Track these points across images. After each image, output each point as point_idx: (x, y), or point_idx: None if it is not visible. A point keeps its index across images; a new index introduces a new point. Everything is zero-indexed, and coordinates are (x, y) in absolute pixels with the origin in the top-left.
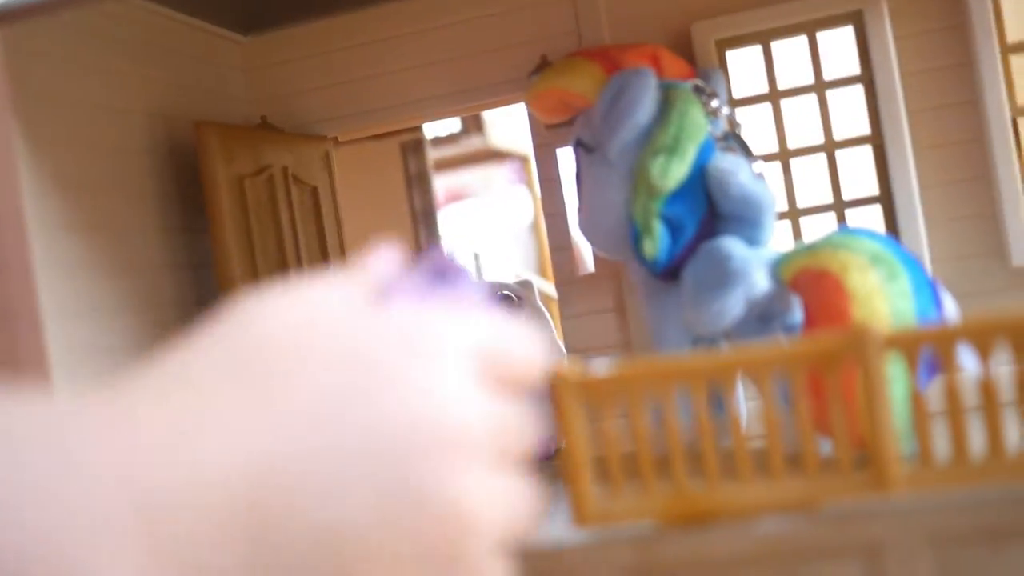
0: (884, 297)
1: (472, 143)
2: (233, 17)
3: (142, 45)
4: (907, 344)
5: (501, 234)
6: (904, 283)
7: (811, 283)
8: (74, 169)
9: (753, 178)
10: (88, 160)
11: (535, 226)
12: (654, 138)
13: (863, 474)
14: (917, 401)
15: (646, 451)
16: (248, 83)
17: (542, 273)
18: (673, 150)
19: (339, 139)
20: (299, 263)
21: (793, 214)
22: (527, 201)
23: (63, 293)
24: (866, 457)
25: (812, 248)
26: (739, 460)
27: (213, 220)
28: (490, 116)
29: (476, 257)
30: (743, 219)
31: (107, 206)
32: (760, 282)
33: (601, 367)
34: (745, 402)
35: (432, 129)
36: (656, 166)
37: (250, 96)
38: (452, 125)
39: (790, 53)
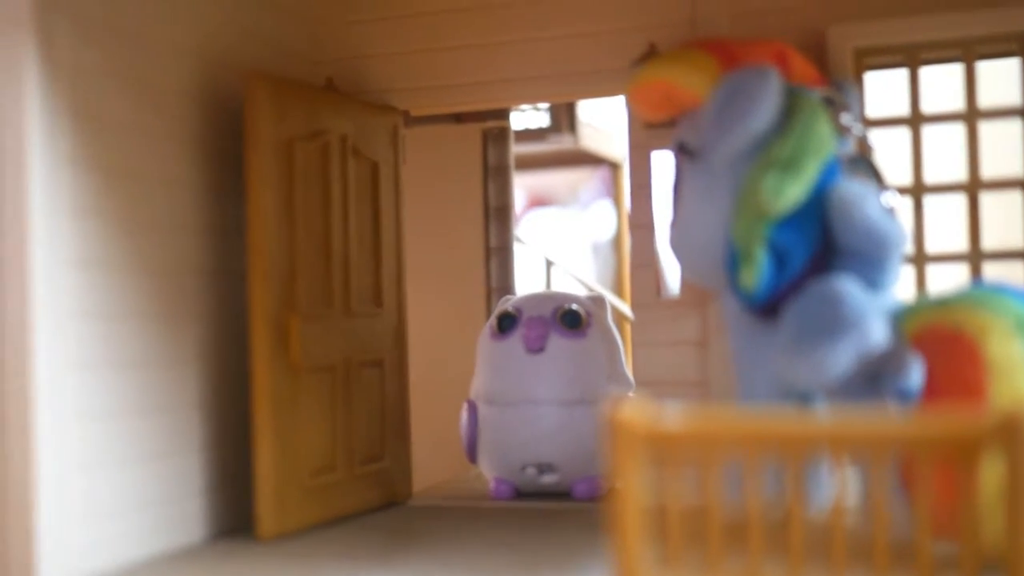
0: None
1: (562, 141)
2: None
3: None
4: None
5: (580, 246)
6: None
7: (939, 345)
8: (98, 102)
9: (882, 211)
10: (115, 95)
11: (617, 241)
12: (770, 150)
13: None
14: None
15: (716, 523)
16: (315, 39)
17: (618, 293)
18: (790, 166)
19: (412, 113)
20: (346, 243)
21: (919, 259)
22: (612, 214)
23: (64, 240)
24: (990, 564)
25: (945, 303)
26: (835, 547)
27: (251, 182)
28: (584, 114)
29: (548, 265)
30: (864, 257)
31: (131, 148)
32: (877, 334)
33: (675, 416)
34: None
35: (519, 122)
36: (768, 183)
37: (316, 55)
38: (541, 119)
39: (940, 75)
